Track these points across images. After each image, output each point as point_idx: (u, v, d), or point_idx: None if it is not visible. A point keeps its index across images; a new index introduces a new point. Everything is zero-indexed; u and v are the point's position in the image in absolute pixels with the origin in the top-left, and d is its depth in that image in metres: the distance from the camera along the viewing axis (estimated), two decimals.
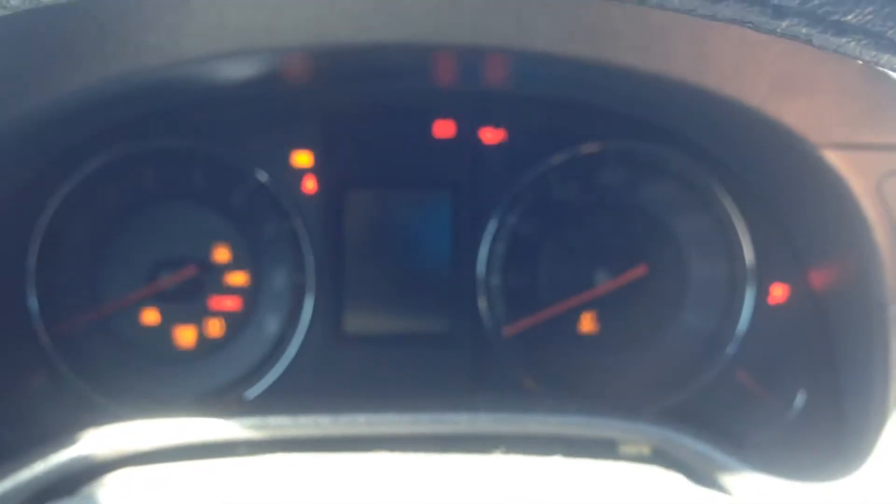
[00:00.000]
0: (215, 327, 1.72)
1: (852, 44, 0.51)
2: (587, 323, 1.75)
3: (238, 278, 1.72)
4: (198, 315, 1.71)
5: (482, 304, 1.75)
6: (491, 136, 1.74)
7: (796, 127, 1.22)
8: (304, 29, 1.16)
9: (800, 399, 1.72)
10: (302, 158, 1.72)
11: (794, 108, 1.22)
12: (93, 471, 1.17)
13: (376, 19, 1.15)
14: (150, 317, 1.71)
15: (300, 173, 1.72)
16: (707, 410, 1.72)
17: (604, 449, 1.23)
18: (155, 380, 1.70)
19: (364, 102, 1.73)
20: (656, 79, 1.23)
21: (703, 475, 1.20)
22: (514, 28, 1.17)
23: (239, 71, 1.41)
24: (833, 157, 1.23)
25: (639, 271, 1.72)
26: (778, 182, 1.60)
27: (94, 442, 1.18)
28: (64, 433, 1.22)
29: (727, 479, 1.20)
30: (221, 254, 1.71)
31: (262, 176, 1.71)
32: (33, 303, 1.66)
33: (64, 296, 1.68)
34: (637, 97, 1.56)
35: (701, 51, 1.20)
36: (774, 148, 1.38)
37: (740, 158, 1.65)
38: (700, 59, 1.20)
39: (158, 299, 1.70)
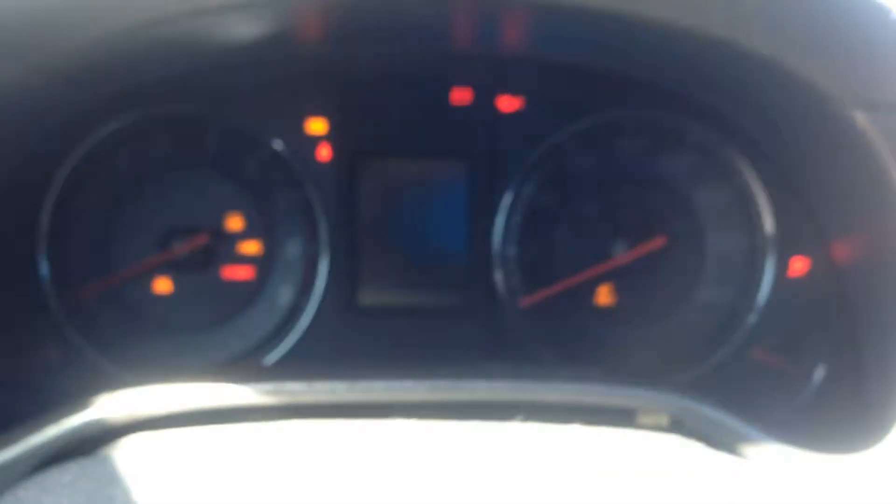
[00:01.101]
0: (228, 297, 1.71)
1: None
2: (604, 295, 1.73)
3: (251, 247, 1.71)
4: (211, 284, 1.70)
5: (498, 275, 1.73)
6: (508, 104, 1.72)
7: (825, 86, 1.19)
8: None
9: (820, 372, 1.70)
10: (316, 126, 1.71)
11: (824, 67, 1.19)
12: (108, 434, 1.16)
13: None
14: (163, 286, 1.70)
15: (314, 141, 1.71)
16: (726, 384, 1.71)
17: (622, 418, 1.22)
18: (167, 349, 1.70)
19: (380, 69, 1.72)
20: (686, 34, 1.20)
21: (722, 444, 1.19)
22: None
23: (256, 26, 1.39)
24: (862, 119, 1.20)
25: (657, 243, 1.70)
26: (803, 149, 1.57)
27: (109, 406, 1.17)
28: (76, 399, 1.21)
29: (747, 449, 1.19)
30: (234, 222, 1.71)
31: (276, 144, 1.69)
32: (45, 269, 1.66)
33: (76, 263, 1.67)
34: (660, 59, 1.54)
35: (733, 6, 1.17)
36: (802, 110, 1.36)
37: (764, 125, 1.62)
38: (731, 15, 1.18)
39: (171, 268, 1.69)
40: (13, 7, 1.16)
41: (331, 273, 1.72)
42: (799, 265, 1.71)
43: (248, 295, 1.71)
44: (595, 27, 1.39)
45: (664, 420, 1.23)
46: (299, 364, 1.69)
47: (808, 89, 1.21)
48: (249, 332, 1.72)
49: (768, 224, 1.70)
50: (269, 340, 1.72)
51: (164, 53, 1.50)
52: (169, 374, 1.57)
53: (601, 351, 1.73)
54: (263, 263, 1.71)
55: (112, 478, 1.03)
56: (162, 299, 1.70)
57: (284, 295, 1.72)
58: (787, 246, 1.70)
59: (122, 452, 1.09)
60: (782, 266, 1.71)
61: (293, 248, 1.71)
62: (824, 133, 1.38)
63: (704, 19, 1.20)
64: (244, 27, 1.42)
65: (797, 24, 1.19)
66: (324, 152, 1.71)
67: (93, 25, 1.16)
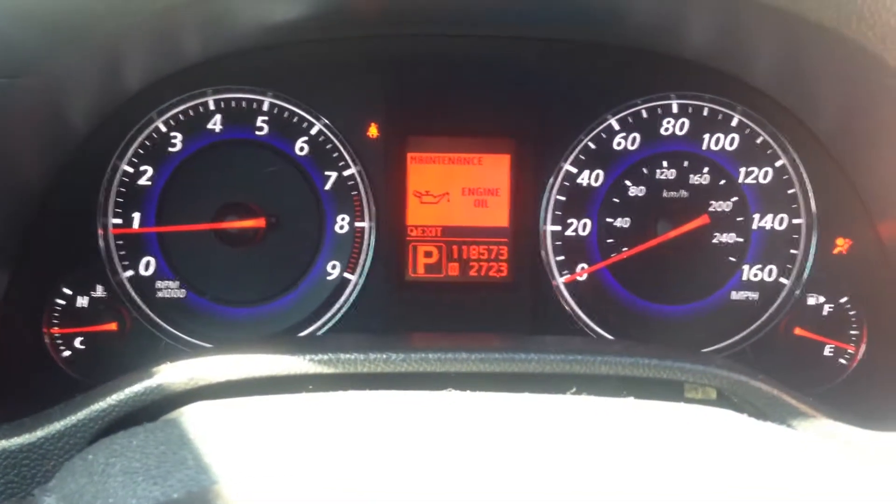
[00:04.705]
0: (279, 272, 1.73)
1: None
2: (648, 272, 1.75)
3: (301, 223, 1.73)
4: (263, 260, 1.72)
5: (543, 252, 1.75)
6: (555, 84, 1.73)
7: (876, 50, 1.18)
8: None
9: (861, 350, 1.71)
10: (366, 105, 1.72)
11: (876, 33, 1.18)
12: (170, 402, 1.18)
13: None
14: (217, 260, 1.72)
15: (364, 119, 1.72)
16: (768, 360, 1.72)
17: (670, 392, 1.23)
18: (220, 323, 1.73)
19: (428, 49, 1.73)
20: (748, 4, 1.19)
21: (771, 419, 1.19)
22: None
23: (305, 6, 1.40)
24: None
25: (701, 221, 1.71)
26: (849, 127, 1.57)
27: (170, 374, 1.19)
28: (136, 369, 1.23)
29: (797, 423, 1.19)
30: (285, 199, 1.72)
31: (326, 122, 1.71)
32: (104, 243, 1.69)
33: (133, 238, 1.70)
34: (707, 38, 1.54)
35: None
36: (855, 81, 1.35)
37: (810, 105, 1.62)
38: None
39: (224, 243, 1.71)
40: None
41: (378, 248, 1.74)
42: (842, 243, 1.71)
43: (298, 270, 1.73)
44: (643, 4, 1.39)
45: (712, 394, 1.24)
46: (350, 335, 1.71)
47: (867, 57, 1.19)
48: (300, 306, 1.74)
49: (813, 203, 1.70)
50: (320, 314, 1.74)
51: (216, 34, 1.52)
52: (225, 345, 1.60)
53: (644, 327, 1.75)
54: (313, 239, 1.74)
55: (181, 441, 1.03)
56: (216, 274, 1.72)
57: (333, 270, 1.74)
58: (831, 225, 1.71)
59: (187, 418, 1.10)
60: (826, 244, 1.71)
61: (342, 224, 1.74)
62: (875, 107, 1.37)
63: None
64: (295, 7, 1.44)
65: None
66: (373, 130, 1.73)
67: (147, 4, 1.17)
